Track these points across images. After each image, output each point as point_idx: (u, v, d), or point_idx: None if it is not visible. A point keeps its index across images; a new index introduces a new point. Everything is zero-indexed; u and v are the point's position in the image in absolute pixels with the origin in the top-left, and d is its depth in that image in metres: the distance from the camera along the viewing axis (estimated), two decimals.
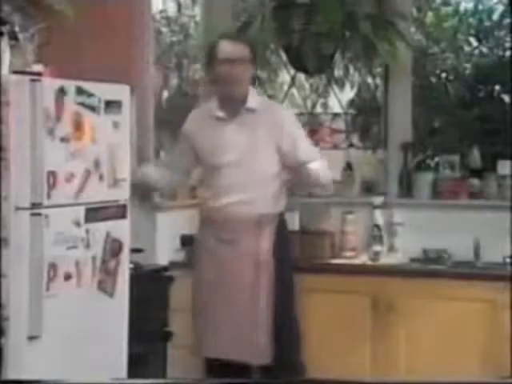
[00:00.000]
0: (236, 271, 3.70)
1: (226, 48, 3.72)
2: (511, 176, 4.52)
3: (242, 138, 3.72)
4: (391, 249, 4.61)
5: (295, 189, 3.98)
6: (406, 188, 4.73)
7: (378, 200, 4.64)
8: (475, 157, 4.76)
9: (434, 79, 5.53)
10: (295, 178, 3.79)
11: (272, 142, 3.72)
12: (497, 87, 5.33)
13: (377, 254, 4.51)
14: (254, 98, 3.78)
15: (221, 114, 3.75)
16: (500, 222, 4.36)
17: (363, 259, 4.53)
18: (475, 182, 4.67)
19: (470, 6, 5.41)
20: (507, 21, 5.29)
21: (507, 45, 5.34)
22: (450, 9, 5.43)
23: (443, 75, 5.53)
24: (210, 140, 3.76)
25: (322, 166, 3.79)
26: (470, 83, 5.40)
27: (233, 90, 3.71)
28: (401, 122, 4.77)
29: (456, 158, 4.76)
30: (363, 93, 5.33)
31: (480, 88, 5.36)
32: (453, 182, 4.69)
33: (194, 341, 3.87)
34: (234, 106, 3.74)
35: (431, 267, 4.38)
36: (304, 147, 3.78)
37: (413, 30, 4.91)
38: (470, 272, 4.28)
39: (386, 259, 4.51)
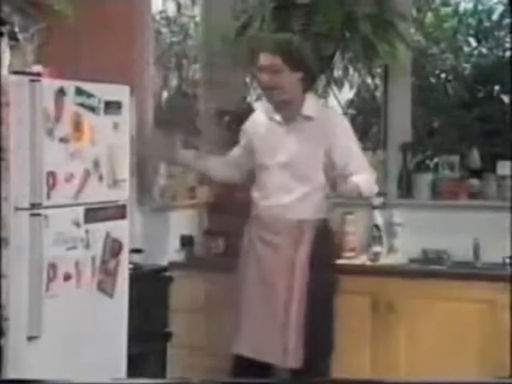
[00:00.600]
0: (273, 273, 3.71)
1: (260, 56, 3.77)
2: (511, 176, 4.52)
3: (292, 142, 3.75)
4: (391, 249, 4.61)
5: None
6: (406, 188, 4.73)
7: (378, 200, 4.64)
8: (475, 157, 4.76)
9: (433, 80, 5.54)
10: (335, 188, 3.76)
11: (322, 149, 3.73)
12: (496, 87, 5.33)
13: (376, 254, 4.51)
14: (312, 106, 3.79)
15: (278, 117, 3.82)
16: (500, 223, 4.36)
17: (363, 259, 4.52)
18: (475, 182, 4.67)
19: (470, 6, 5.41)
20: (507, 21, 5.29)
21: (507, 45, 5.35)
22: (449, 9, 5.43)
23: (443, 75, 5.53)
24: (264, 141, 3.82)
25: (365, 179, 3.76)
26: (470, 84, 5.40)
27: (270, 96, 3.79)
28: (400, 122, 4.77)
29: (455, 159, 4.76)
30: (362, 93, 5.33)
31: (479, 88, 5.36)
32: (452, 183, 4.69)
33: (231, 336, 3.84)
34: (288, 111, 3.78)
35: (431, 268, 4.38)
36: (356, 159, 3.78)
37: (412, 30, 4.91)
38: (470, 272, 4.28)
39: (386, 260, 4.51)
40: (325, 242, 3.82)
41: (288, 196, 3.74)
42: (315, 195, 3.78)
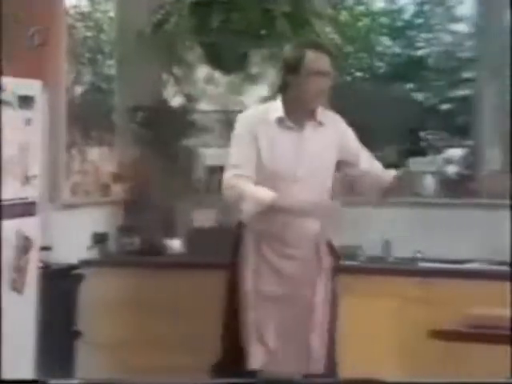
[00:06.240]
0: (296, 285, 3.51)
1: (320, 60, 3.46)
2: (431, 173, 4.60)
3: (311, 152, 3.48)
4: None
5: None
6: None
7: None
8: (390, 154, 4.83)
9: (349, 78, 5.59)
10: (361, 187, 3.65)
11: (336, 157, 3.55)
12: (409, 86, 5.42)
13: None
14: (321, 111, 3.54)
15: (290, 123, 3.47)
16: (412, 218, 4.44)
17: None
18: None
19: (383, 5, 5.50)
20: (419, 21, 5.40)
21: (419, 44, 5.46)
22: (362, 8, 5.50)
23: (358, 74, 5.59)
24: (277, 146, 3.46)
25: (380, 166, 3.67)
26: (384, 82, 5.48)
27: (316, 104, 3.48)
28: None
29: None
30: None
31: (393, 87, 5.45)
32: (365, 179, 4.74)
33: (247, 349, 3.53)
34: (304, 116, 3.49)
35: (345, 263, 4.41)
36: (365, 157, 3.66)
37: (328, 28, 4.94)
38: (383, 267, 4.34)
39: None
40: (335, 252, 3.67)
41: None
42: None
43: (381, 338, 4.18)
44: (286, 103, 3.48)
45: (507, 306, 3.05)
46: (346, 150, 3.56)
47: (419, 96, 5.38)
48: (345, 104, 5.34)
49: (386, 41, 5.46)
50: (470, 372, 3.75)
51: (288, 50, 3.55)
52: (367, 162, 3.64)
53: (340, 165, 3.57)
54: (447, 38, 5.45)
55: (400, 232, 4.44)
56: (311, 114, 3.49)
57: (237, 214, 3.48)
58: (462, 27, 5.37)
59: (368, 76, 5.51)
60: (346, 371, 4.00)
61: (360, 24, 5.43)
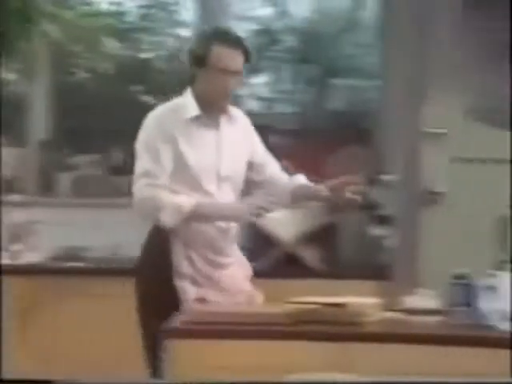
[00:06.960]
0: (231, 294, 3.22)
1: (228, 56, 3.13)
2: None
3: (229, 149, 3.22)
4: (31, 247, 4.57)
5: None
6: (47, 186, 4.73)
7: (17, 198, 4.61)
8: (117, 155, 4.88)
9: (75, 78, 5.56)
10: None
11: (248, 153, 3.30)
12: (137, 88, 5.49)
13: (16, 252, 4.45)
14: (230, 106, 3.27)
15: (206, 119, 3.18)
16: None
17: (3, 259, 4.43)
18: (118, 180, 4.77)
19: (108, 7, 5.52)
20: (144, 24, 5.51)
21: (144, 47, 5.56)
22: (89, 8, 5.49)
23: (84, 74, 5.57)
24: (194, 145, 3.15)
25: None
26: (111, 83, 5.50)
27: (224, 103, 3.19)
28: (41, 119, 4.76)
29: (98, 157, 4.85)
30: (3, 88, 5.22)
31: (119, 88, 5.49)
32: (95, 181, 4.77)
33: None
34: (215, 111, 3.20)
35: (71, 265, 4.41)
36: (272, 162, 3.40)
37: (52, 27, 4.89)
38: (112, 268, 4.36)
39: (26, 258, 4.46)
40: None
41: None
42: None
43: (119, 339, 4.18)
44: (197, 98, 3.20)
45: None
46: (253, 151, 3.35)
47: (148, 98, 5.44)
48: (69, 104, 5.32)
49: (112, 42, 5.48)
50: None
51: (196, 39, 3.27)
52: (274, 168, 3.42)
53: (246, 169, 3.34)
54: (171, 42, 5.58)
55: (131, 234, 4.48)
56: (222, 109, 3.23)
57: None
58: (185, 32, 5.52)
59: (93, 76, 5.50)
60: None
61: (85, 24, 5.40)
